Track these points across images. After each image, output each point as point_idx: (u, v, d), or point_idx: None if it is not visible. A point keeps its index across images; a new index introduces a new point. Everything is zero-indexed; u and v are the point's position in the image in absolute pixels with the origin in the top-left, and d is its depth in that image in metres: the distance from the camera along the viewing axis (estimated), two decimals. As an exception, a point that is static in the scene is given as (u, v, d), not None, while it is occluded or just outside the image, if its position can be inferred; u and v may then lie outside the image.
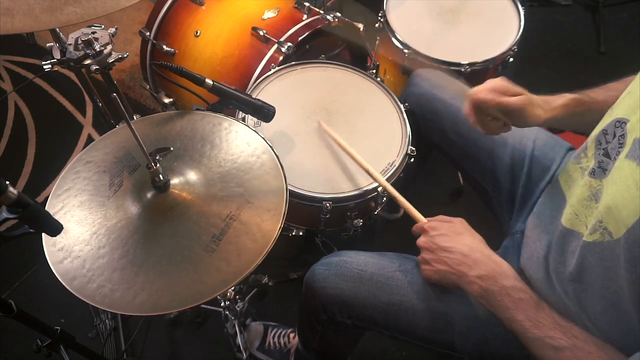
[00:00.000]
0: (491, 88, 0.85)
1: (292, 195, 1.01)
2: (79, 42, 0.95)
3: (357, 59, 1.56)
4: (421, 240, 0.82)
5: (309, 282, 0.94)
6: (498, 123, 0.88)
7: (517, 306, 0.70)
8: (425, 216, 0.90)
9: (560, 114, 0.85)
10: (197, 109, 0.94)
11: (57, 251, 0.73)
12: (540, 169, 0.98)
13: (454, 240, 0.78)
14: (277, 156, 0.85)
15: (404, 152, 1.09)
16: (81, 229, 0.76)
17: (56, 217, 0.73)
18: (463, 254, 0.76)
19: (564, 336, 0.66)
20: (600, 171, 0.67)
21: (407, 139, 1.10)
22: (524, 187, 1.00)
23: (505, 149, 1.02)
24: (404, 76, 1.41)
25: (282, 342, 1.37)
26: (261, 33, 1.31)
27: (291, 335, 1.37)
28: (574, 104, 0.84)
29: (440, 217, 0.85)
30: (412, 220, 0.91)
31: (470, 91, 0.88)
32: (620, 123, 0.66)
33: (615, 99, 0.78)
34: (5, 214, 0.60)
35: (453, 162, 1.16)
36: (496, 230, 1.09)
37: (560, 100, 0.84)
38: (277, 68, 1.23)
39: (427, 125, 1.15)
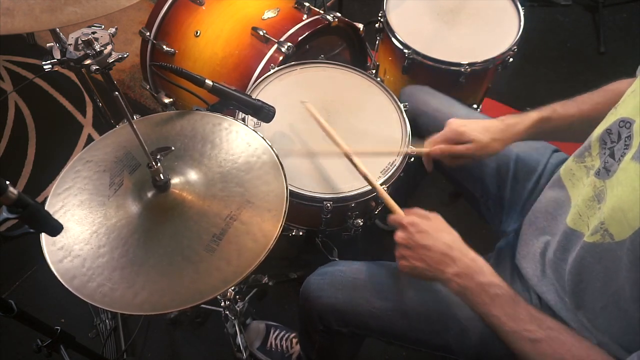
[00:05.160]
0: (444, 138, 0.95)
1: (293, 195, 1.01)
2: (79, 42, 0.95)
3: (357, 59, 1.56)
4: (400, 236, 0.79)
5: (305, 293, 0.95)
6: (457, 161, 0.96)
7: (494, 301, 0.70)
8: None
9: (523, 136, 0.90)
10: (197, 110, 0.94)
11: (56, 250, 0.73)
12: (525, 171, 1.00)
13: (433, 238, 0.77)
14: (277, 156, 0.85)
15: (404, 151, 1.09)
16: (81, 228, 0.76)
17: (56, 216, 0.73)
18: (442, 252, 0.75)
19: (540, 328, 0.66)
20: (605, 172, 0.67)
21: (407, 139, 1.10)
22: (511, 189, 1.02)
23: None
24: (404, 76, 1.41)
25: (284, 345, 1.37)
26: (261, 33, 1.31)
27: (294, 340, 1.37)
28: (540, 124, 0.88)
29: (417, 210, 0.83)
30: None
31: (426, 143, 0.98)
32: (625, 123, 0.66)
33: (587, 112, 0.82)
34: (5, 214, 0.60)
35: (443, 172, 1.18)
36: (492, 230, 1.10)
37: (525, 122, 0.89)
38: (276, 68, 1.23)
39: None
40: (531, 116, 0.89)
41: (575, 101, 0.88)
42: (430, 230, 0.78)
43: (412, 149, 1.06)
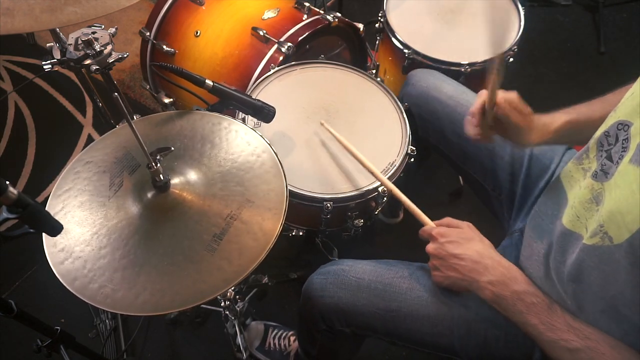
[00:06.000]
0: (507, 99, 0.84)
1: (293, 195, 1.01)
2: (79, 42, 0.95)
3: (357, 59, 1.56)
4: (430, 247, 0.82)
5: (307, 292, 0.94)
6: (491, 131, 0.88)
7: (530, 310, 0.70)
8: (430, 218, 0.89)
9: (552, 138, 0.87)
10: (197, 110, 0.94)
11: (57, 252, 0.73)
12: (539, 168, 0.99)
13: (463, 246, 0.78)
14: (275, 154, 0.85)
15: (404, 152, 1.09)
16: (82, 229, 0.76)
17: (56, 217, 0.73)
18: (474, 260, 0.76)
19: (577, 338, 0.66)
20: (602, 174, 0.67)
21: (407, 139, 1.10)
22: (523, 186, 1.00)
23: (505, 148, 1.02)
24: (404, 76, 1.41)
25: (282, 344, 1.37)
26: (261, 33, 1.31)
27: (291, 338, 1.37)
28: (568, 127, 0.86)
29: (448, 220, 0.84)
30: (412, 225, 0.91)
31: (486, 92, 0.86)
32: (623, 125, 0.66)
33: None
34: (5, 214, 0.60)
35: (452, 164, 1.16)
36: (496, 229, 1.09)
37: (554, 124, 0.85)
38: (276, 68, 1.23)
39: (425, 126, 1.15)
40: (560, 118, 0.85)
41: (599, 102, 0.85)
42: (460, 239, 0.79)
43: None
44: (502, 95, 0.84)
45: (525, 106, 0.86)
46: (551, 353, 0.69)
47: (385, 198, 1.06)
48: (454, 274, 0.78)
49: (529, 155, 1.00)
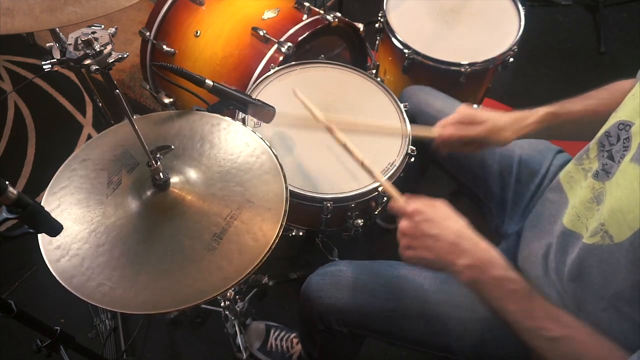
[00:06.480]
0: (456, 121, 0.91)
1: (293, 195, 1.01)
2: (79, 42, 0.95)
3: (357, 59, 1.56)
4: (404, 225, 0.74)
5: (305, 293, 0.95)
6: (467, 147, 0.94)
7: (508, 297, 0.66)
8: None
9: (533, 130, 0.87)
10: (197, 110, 0.94)
11: (54, 249, 0.73)
12: (529, 173, 1.00)
13: (440, 226, 0.72)
14: (275, 155, 0.85)
15: (404, 151, 1.09)
16: (79, 226, 0.75)
17: (53, 214, 0.72)
18: (451, 242, 0.70)
19: (557, 326, 0.63)
20: (604, 174, 0.67)
21: (407, 139, 1.10)
22: (514, 191, 1.02)
23: (494, 156, 1.04)
24: (404, 76, 1.41)
25: (284, 345, 1.37)
26: (261, 33, 1.31)
27: (294, 340, 1.37)
28: (549, 119, 0.86)
29: (421, 198, 0.77)
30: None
31: (437, 126, 0.94)
32: (624, 125, 0.66)
33: (594, 107, 0.82)
34: (5, 214, 0.60)
35: (447, 173, 1.18)
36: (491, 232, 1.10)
37: (534, 116, 0.87)
38: (276, 68, 1.23)
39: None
40: (539, 111, 0.87)
41: (581, 97, 0.88)
42: (437, 219, 0.73)
43: (421, 130, 1.00)
44: (449, 121, 0.91)
45: (482, 113, 0.89)
46: (530, 342, 0.65)
47: (385, 198, 1.06)
48: (428, 254, 0.72)
49: (517, 160, 1.01)
